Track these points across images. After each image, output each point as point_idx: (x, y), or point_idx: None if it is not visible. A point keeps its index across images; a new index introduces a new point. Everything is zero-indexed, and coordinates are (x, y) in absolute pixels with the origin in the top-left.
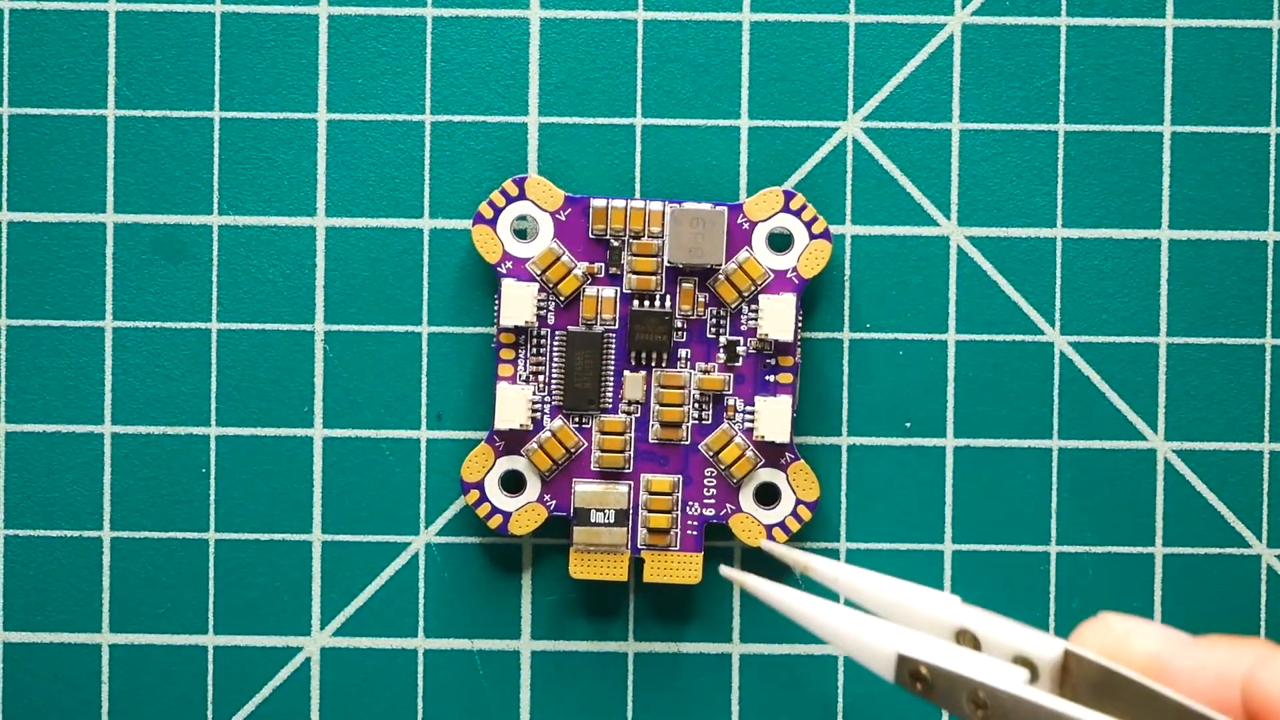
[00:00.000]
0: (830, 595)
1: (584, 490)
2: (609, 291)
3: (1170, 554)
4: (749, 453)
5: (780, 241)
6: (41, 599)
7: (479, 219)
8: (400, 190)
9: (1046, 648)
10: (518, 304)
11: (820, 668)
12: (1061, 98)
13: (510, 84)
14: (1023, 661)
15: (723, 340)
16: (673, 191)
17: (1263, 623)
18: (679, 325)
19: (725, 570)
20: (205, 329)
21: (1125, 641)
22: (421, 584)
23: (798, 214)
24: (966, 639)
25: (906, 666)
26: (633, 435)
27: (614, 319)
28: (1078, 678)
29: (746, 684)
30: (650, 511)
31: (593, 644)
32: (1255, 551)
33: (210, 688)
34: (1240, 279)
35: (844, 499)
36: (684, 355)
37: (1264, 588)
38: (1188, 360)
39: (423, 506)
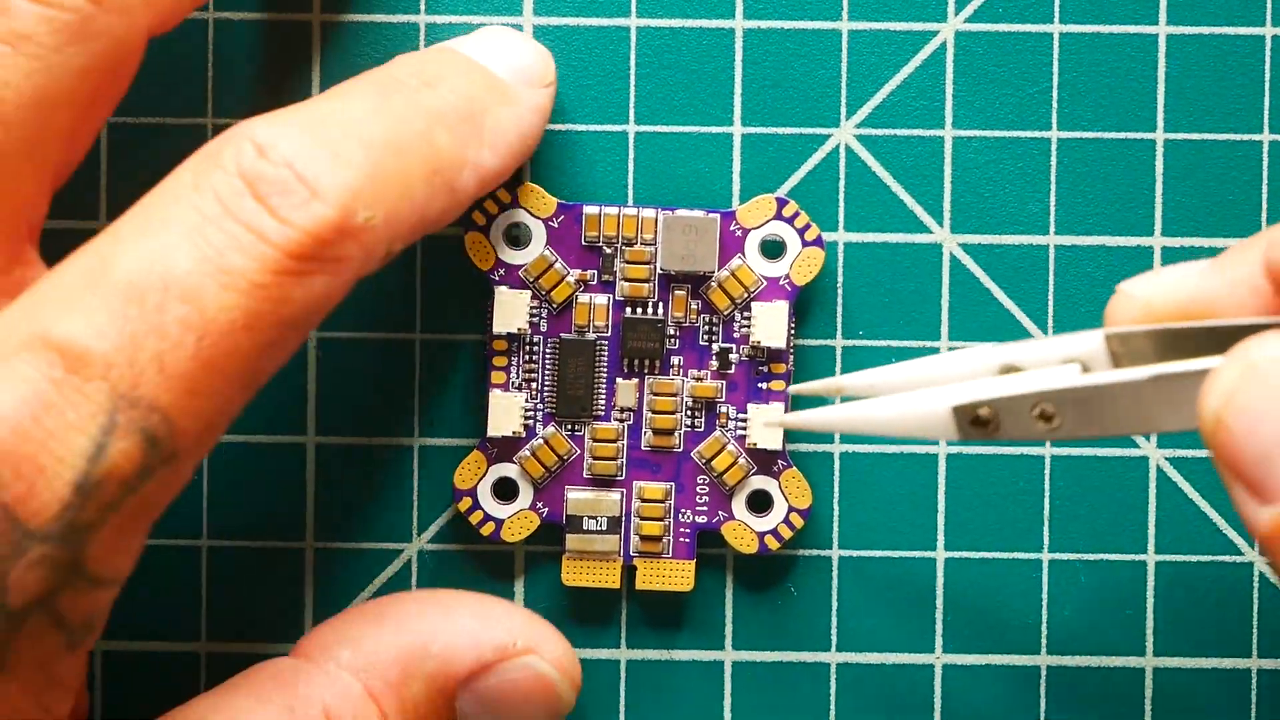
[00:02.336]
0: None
1: (576, 497)
2: (601, 299)
3: (1162, 561)
4: (741, 460)
5: (773, 249)
6: None
7: (472, 226)
8: None
9: (1087, 342)
10: (510, 311)
11: (812, 675)
12: (1054, 105)
13: None
14: (1070, 363)
15: (715, 347)
16: (665, 199)
17: (1255, 630)
18: (671, 332)
19: (767, 421)
20: None
21: (1149, 304)
22: None
23: (790, 221)
24: (1011, 372)
25: (964, 417)
26: (625, 442)
27: (606, 326)
28: (1130, 357)
29: (739, 691)
30: (642, 519)
31: (585, 651)
32: (1248, 559)
33: None
34: None
35: (836, 506)
36: (676, 362)
37: (1256, 595)
38: None
39: (415, 514)
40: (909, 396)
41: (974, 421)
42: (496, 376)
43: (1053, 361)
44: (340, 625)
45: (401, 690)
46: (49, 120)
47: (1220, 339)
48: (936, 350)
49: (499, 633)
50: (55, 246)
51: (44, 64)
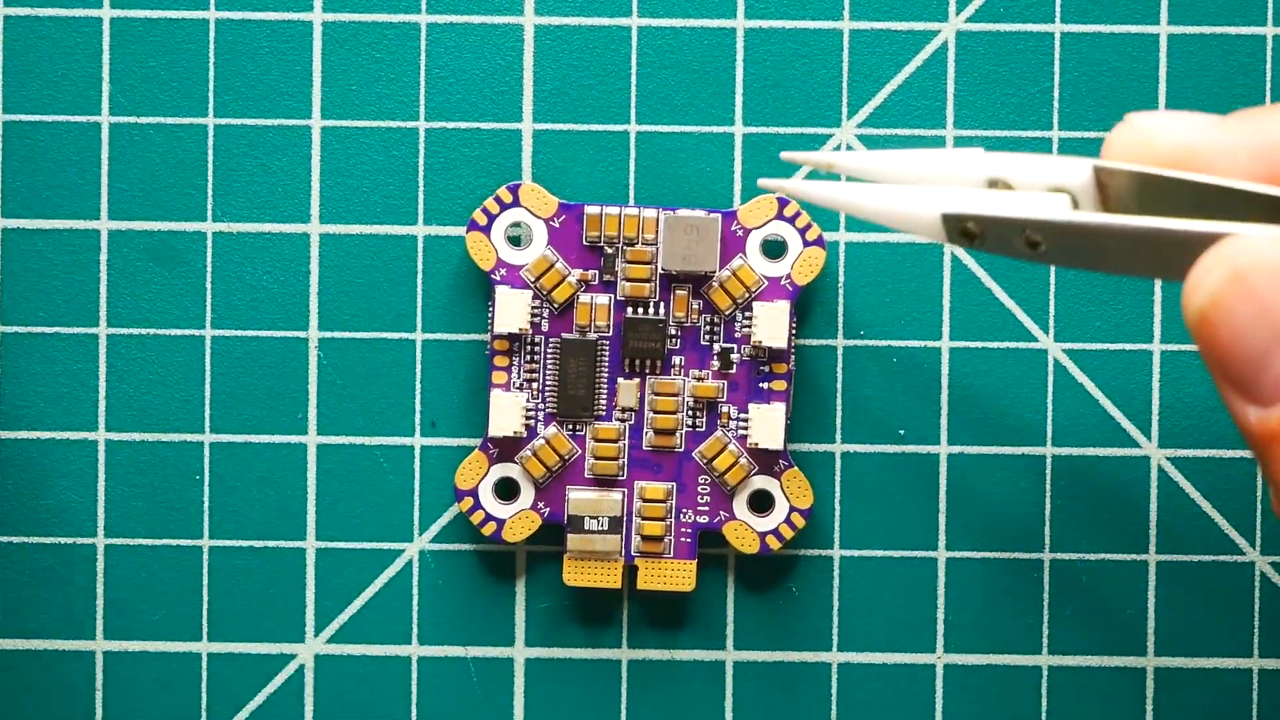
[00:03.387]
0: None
1: (578, 497)
2: (603, 299)
3: (1163, 561)
4: (742, 460)
5: (774, 248)
6: (35, 605)
7: (473, 226)
8: (394, 197)
9: (1077, 170)
10: (511, 311)
11: (814, 675)
12: (1055, 104)
13: (504, 90)
14: (1059, 192)
15: (716, 347)
16: (666, 198)
17: (1256, 630)
18: (673, 332)
19: (764, 182)
20: (199, 335)
21: (1150, 139)
22: (415, 591)
23: (791, 221)
24: (1000, 186)
25: (953, 225)
26: (626, 442)
27: (608, 326)
28: (1115, 192)
29: (740, 691)
30: (644, 519)
31: (586, 651)
32: (1249, 558)
33: (204, 694)
34: None
35: (837, 506)
36: (678, 362)
37: (1257, 594)
38: (1182, 367)
39: (416, 513)
40: (903, 193)
41: (962, 232)
42: (498, 376)
43: (1040, 184)
44: None
45: None
46: None
47: (1207, 199)
48: (938, 350)
49: None
50: (58, 247)
51: None
